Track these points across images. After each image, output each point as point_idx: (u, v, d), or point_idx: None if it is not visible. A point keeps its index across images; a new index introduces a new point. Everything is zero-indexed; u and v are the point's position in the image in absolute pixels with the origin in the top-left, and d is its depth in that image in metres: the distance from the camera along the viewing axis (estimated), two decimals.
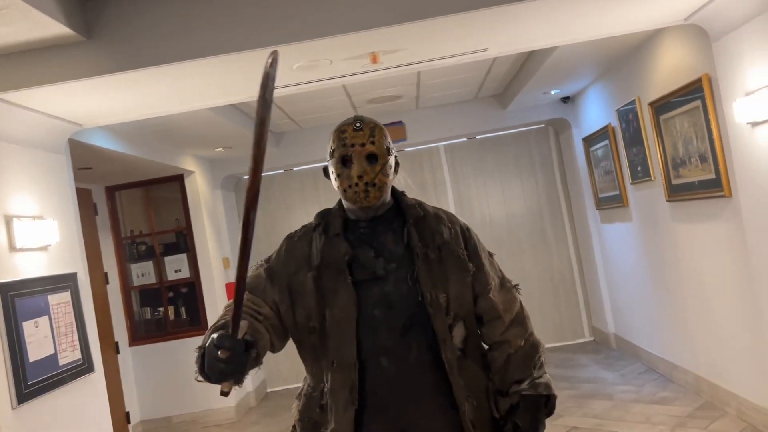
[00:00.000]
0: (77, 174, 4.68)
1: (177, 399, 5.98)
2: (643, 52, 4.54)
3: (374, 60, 3.21)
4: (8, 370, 2.76)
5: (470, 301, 1.68)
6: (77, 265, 3.49)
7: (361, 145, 1.61)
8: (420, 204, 1.74)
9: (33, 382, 2.90)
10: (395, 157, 1.71)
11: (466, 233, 1.74)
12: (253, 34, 2.82)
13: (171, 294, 6.25)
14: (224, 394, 1.41)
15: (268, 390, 6.97)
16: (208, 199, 6.34)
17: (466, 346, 1.65)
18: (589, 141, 5.99)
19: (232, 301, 1.64)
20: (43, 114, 3.26)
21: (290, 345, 1.78)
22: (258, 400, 6.53)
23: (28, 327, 2.93)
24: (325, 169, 1.71)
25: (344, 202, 1.71)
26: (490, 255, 1.79)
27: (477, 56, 3.54)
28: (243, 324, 1.43)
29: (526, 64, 5.24)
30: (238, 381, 1.44)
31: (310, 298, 1.63)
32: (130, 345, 6.03)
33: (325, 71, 3.34)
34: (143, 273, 6.16)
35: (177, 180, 6.09)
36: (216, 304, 5.95)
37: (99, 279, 5.53)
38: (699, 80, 3.73)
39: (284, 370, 6.90)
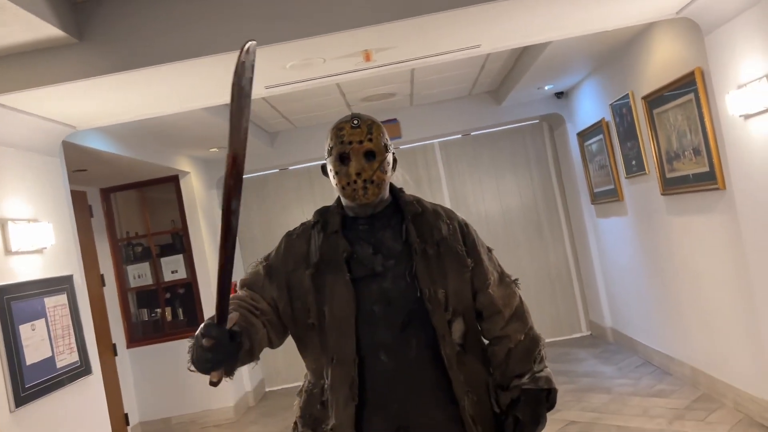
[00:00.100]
0: (72, 176, 4.66)
1: (176, 400, 5.97)
2: (636, 47, 4.55)
3: (367, 58, 3.21)
4: (5, 373, 2.76)
5: (469, 297, 1.69)
6: (73, 267, 3.49)
7: (359, 142, 1.62)
8: (418, 200, 1.75)
9: (30, 385, 2.90)
10: (393, 153, 1.71)
11: (464, 229, 1.75)
12: (245, 33, 2.81)
13: (168, 295, 6.24)
14: (213, 384, 1.42)
15: (267, 389, 6.98)
16: (204, 199, 6.33)
17: (466, 342, 1.65)
18: (584, 136, 6.00)
19: (234, 294, 1.65)
20: (37, 116, 3.25)
21: (288, 344, 1.79)
22: (257, 399, 6.53)
23: (24, 330, 2.93)
24: (324, 167, 1.72)
25: (343, 200, 1.71)
26: (489, 250, 1.80)
27: (470, 53, 3.54)
28: (233, 315, 1.44)
29: (520, 59, 5.25)
30: (229, 372, 1.45)
31: (309, 295, 1.63)
32: (128, 347, 6.02)
33: (319, 70, 3.34)
34: (140, 274, 6.15)
35: (172, 181, 6.08)
36: (213, 304, 5.93)
37: (95, 281, 5.52)
38: (692, 73, 3.75)
39: (283, 369, 6.90)
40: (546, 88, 5.95)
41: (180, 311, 6.24)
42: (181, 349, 5.91)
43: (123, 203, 6.27)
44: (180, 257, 6.13)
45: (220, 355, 1.38)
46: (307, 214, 1.81)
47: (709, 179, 3.81)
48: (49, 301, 3.16)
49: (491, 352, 1.73)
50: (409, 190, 1.80)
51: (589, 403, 4.65)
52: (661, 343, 5.12)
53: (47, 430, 3.01)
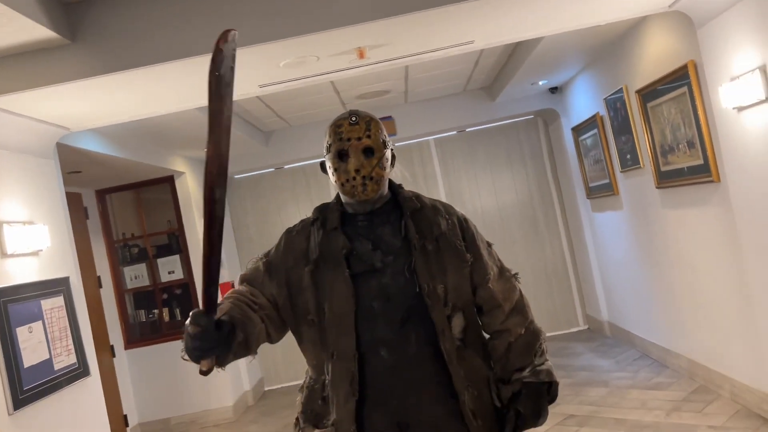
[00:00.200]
0: (66, 178, 4.65)
1: (174, 400, 5.97)
2: (629, 41, 4.56)
3: (361, 55, 3.21)
4: (3, 376, 2.76)
5: (469, 292, 1.70)
6: (69, 269, 3.48)
7: (358, 139, 1.63)
8: (417, 196, 1.75)
9: (29, 388, 2.90)
10: (392, 150, 1.72)
11: (463, 224, 1.75)
12: (239, 32, 2.80)
13: (165, 296, 6.23)
14: (202, 372, 1.43)
15: (266, 389, 6.98)
16: (200, 199, 6.31)
17: (466, 337, 1.66)
18: (578, 130, 6.01)
19: (233, 289, 1.67)
20: (30, 118, 3.24)
21: (287, 343, 1.79)
22: (256, 399, 6.53)
23: (21, 333, 2.92)
24: (323, 164, 1.72)
25: (342, 196, 1.72)
26: (489, 245, 1.80)
27: (464, 49, 3.55)
28: (223, 306, 1.46)
29: (514, 55, 5.25)
30: (221, 363, 1.46)
31: (309, 291, 1.64)
32: (126, 348, 6.01)
33: (313, 68, 3.34)
34: (136, 275, 6.14)
35: (167, 181, 6.07)
36: None
37: (92, 283, 5.51)
38: (685, 67, 3.76)
39: (281, 368, 6.91)
40: (540, 83, 5.96)
41: (177, 312, 6.23)
42: (179, 350, 5.89)
43: (118, 204, 6.25)
44: (176, 258, 6.13)
45: (207, 343, 1.39)
46: (302, 213, 1.81)
47: (703, 172, 3.82)
48: (46, 304, 3.15)
49: (492, 346, 1.74)
50: (406, 187, 1.80)
51: (587, 396, 4.67)
52: (658, 335, 5.14)
53: None
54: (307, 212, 1.80)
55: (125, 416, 5.68)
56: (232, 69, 1.29)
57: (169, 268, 6.12)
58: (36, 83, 2.84)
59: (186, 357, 1.44)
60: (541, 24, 3.41)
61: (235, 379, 6.15)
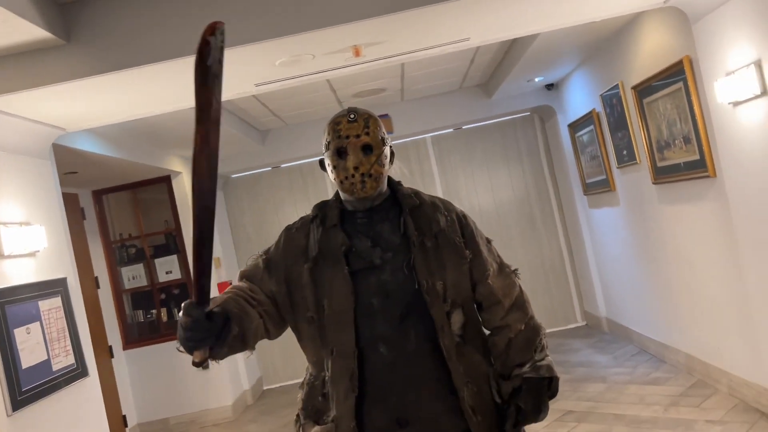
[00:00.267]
0: (63, 179, 4.65)
1: (173, 400, 5.97)
2: (625, 37, 4.57)
3: (357, 53, 3.21)
4: (1, 377, 2.75)
5: (468, 288, 1.70)
6: (67, 270, 3.48)
7: (356, 136, 1.63)
8: (416, 193, 1.76)
9: (27, 389, 2.89)
10: (390, 147, 1.72)
11: (462, 220, 1.75)
12: (233, 31, 2.80)
13: (163, 296, 6.23)
14: (195, 364, 1.44)
15: (265, 388, 6.98)
16: None
17: (465, 333, 1.66)
18: (575, 127, 6.02)
19: (233, 285, 1.68)
20: (26, 119, 3.24)
21: (285, 342, 1.79)
22: (255, 398, 6.53)
23: (19, 334, 2.92)
24: (322, 162, 1.73)
25: (341, 194, 1.72)
26: (488, 241, 1.81)
27: (460, 46, 3.55)
28: (216, 298, 1.48)
29: (509, 52, 5.25)
30: (216, 356, 1.47)
31: (308, 288, 1.64)
32: (124, 348, 6.00)
33: (308, 66, 3.34)
34: (134, 276, 6.13)
35: (164, 181, 6.06)
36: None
37: (89, 283, 5.50)
38: (680, 62, 3.76)
39: (280, 367, 6.91)
40: (536, 80, 5.96)
41: (175, 312, 6.22)
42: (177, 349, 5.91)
43: (115, 205, 6.24)
44: (174, 258, 6.12)
45: (199, 334, 1.39)
46: (300, 212, 1.82)
47: (699, 167, 3.83)
48: (44, 304, 3.15)
49: (492, 343, 1.74)
50: (405, 184, 1.81)
51: (586, 392, 4.68)
52: (656, 331, 5.15)
53: None
54: (304, 211, 1.81)
55: (124, 416, 5.68)
56: (220, 61, 1.28)
57: (167, 268, 6.12)
58: (31, 84, 2.83)
59: (181, 349, 1.44)
60: (537, 20, 3.41)
61: (234, 378, 6.15)
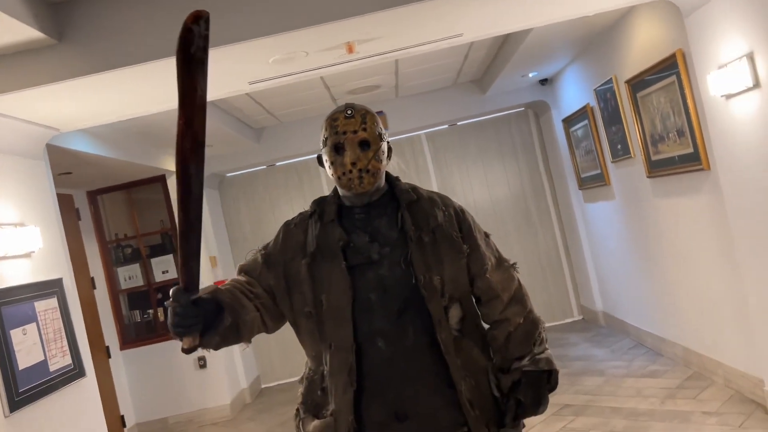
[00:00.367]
0: (57, 179, 4.63)
1: (171, 400, 5.97)
2: (618, 31, 4.58)
3: (350, 50, 3.21)
4: None
5: (466, 283, 1.71)
6: (62, 270, 3.47)
7: (353, 132, 1.63)
8: (414, 188, 1.76)
9: (24, 390, 2.89)
10: (388, 142, 1.73)
11: (460, 215, 1.76)
12: (226, 29, 2.80)
13: (159, 296, 6.22)
14: (184, 351, 1.45)
15: (263, 386, 6.98)
16: None
17: (463, 327, 1.67)
18: (569, 122, 6.03)
19: (232, 278, 1.69)
20: (19, 120, 3.23)
21: (283, 340, 1.80)
22: (253, 396, 6.54)
23: (15, 335, 2.91)
24: (320, 158, 1.73)
25: (339, 189, 1.73)
26: (487, 235, 1.81)
27: (453, 42, 3.55)
28: (209, 287, 1.50)
29: (503, 47, 5.26)
30: (207, 344, 1.48)
31: (306, 284, 1.65)
32: (122, 348, 6.00)
33: (302, 63, 3.33)
34: (130, 276, 6.12)
35: (159, 181, 6.05)
36: None
37: (86, 284, 5.49)
38: (673, 56, 3.77)
39: (278, 366, 6.91)
40: (530, 75, 5.97)
41: None
42: (174, 349, 5.92)
43: (110, 205, 6.23)
44: (170, 257, 6.11)
45: (186, 319, 1.41)
46: (296, 210, 1.83)
47: (693, 160, 3.84)
48: (40, 305, 3.15)
49: (491, 337, 1.74)
50: (406, 177, 1.81)
51: (583, 386, 4.70)
52: (652, 324, 5.17)
53: None
54: (300, 209, 1.83)
55: (122, 417, 5.68)
56: (204, 49, 1.28)
57: (163, 268, 6.11)
58: (23, 84, 2.82)
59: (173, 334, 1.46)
60: (530, 15, 3.41)
61: (232, 377, 6.15)
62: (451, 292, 1.65)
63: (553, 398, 1.80)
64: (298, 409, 1.75)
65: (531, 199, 7.03)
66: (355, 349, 1.60)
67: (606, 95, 4.99)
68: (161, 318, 6.15)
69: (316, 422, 1.66)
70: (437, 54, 4.91)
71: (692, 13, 3.37)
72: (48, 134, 3.53)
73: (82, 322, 3.58)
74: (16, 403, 2.81)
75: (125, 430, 5.69)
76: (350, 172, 1.62)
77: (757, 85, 2.99)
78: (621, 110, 4.75)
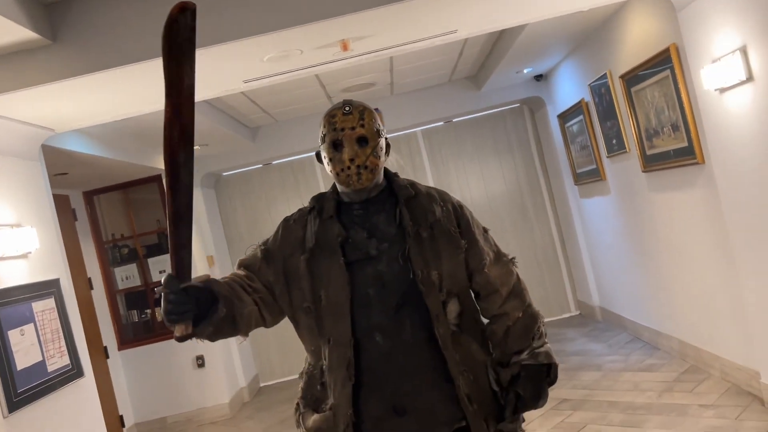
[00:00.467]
0: (53, 180, 4.63)
1: (170, 399, 5.97)
2: (612, 26, 4.59)
3: (345, 47, 3.21)
4: None
5: (464, 278, 1.71)
6: (59, 271, 3.47)
7: (351, 128, 1.64)
8: (412, 184, 1.77)
9: (22, 390, 2.89)
10: (386, 138, 1.73)
11: (458, 210, 1.77)
12: (220, 27, 2.80)
13: (157, 295, 6.21)
14: (176, 339, 1.46)
15: (261, 385, 6.98)
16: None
17: (461, 322, 1.68)
18: (564, 117, 6.04)
19: (229, 274, 1.69)
20: (14, 120, 3.22)
21: (281, 339, 1.80)
22: (251, 395, 6.54)
23: (13, 335, 2.91)
24: (318, 155, 1.74)
25: (338, 185, 1.74)
26: (485, 231, 1.82)
27: (447, 38, 3.55)
28: (202, 276, 1.51)
29: (497, 44, 5.26)
30: (200, 334, 1.48)
31: (305, 279, 1.66)
32: (119, 349, 6.00)
33: (297, 61, 3.34)
34: (127, 276, 6.12)
35: (155, 181, 6.04)
36: None
37: (83, 284, 5.49)
38: (667, 50, 3.78)
39: (276, 364, 6.91)
40: (525, 71, 5.97)
41: None
42: (172, 349, 5.93)
43: (107, 205, 6.22)
44: (167, 257, 6.03)
45: (177, 307, 1.42)
46: (292, 209, 1.83)
47: (688, 154, 3.86)
48: (37, 306, 3.14)
49: (490, 331, 1.75)
50: (404, 174, 1.82)
51: (581, 380, 4.72)
52: (649, 318, 5.19)
53: None
54: (296, 208, 1.83)
55: (121, 417, 5.68)
56: (190, 40, 1.28)
57: (160, 268, 6.10)
58: (18, 84, 2.82)
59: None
60: (524, 11, 3.42)
61: (231, 375, 6.15)
62: (449, 287, 1.66)
63: (551, 393, 1.81)
64: (298, 404, 1.76)
65: (527, 194, 7.04)
66: (354, 344, 1.61)
67: (601, 90, 5.00)
68: (159, 318, 6.14)
69: (315, 416, 1.67)
70: (432, 51, 4.92)
71: (685, 8, 3.38)
72: (43, 135, 3.53)
73: (80, 322, 3.58)
74: (14, 404, 2.81)
75: (124, 429, 5.69)
76: (348, 168, 1.63)
77: (750, 78, 3.01)
78: (616, 105, 4.76)
